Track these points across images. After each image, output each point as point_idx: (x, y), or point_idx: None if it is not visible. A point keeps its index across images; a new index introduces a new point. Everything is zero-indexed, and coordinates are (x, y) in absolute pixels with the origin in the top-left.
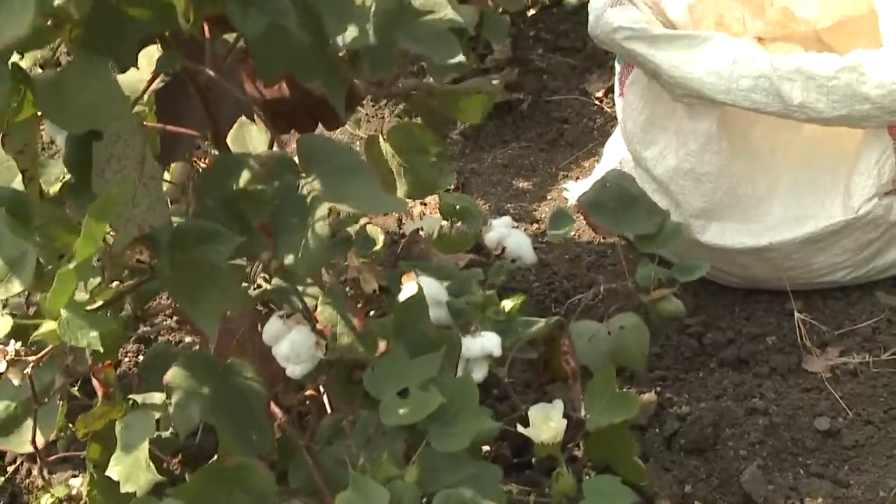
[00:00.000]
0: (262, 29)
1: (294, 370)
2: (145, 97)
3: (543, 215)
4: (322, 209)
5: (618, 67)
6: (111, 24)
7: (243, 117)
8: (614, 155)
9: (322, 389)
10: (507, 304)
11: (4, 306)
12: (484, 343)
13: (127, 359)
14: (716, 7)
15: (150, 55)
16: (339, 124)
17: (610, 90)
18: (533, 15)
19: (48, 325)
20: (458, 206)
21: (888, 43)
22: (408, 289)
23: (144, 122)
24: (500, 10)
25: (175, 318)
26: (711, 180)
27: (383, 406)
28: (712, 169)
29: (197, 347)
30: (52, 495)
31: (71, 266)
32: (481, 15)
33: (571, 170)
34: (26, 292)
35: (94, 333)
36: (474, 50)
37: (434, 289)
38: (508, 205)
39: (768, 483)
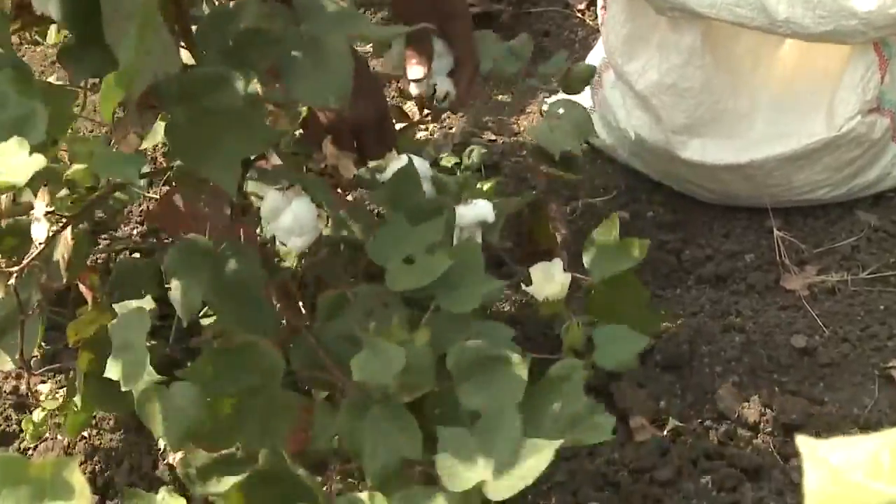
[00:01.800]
0: None
1: (297, 242)
2: None
3: (522, 128)
4: (339, 38)
5: None
6: None
7: None
8: (599, 65)
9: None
10: (485, 185)
11: None
12: (478, 210)
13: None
14: None
15: None
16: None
17: (593, 2)
18: None
19: (77, 167)
20: None
21: None
22: (395, 165)
23: None
24: None
25: (146, 224)
26: (693, 95)
27: (390, 273)
28: (694, 84)
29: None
30: (44, 409)
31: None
32: None
33: (551, 82)
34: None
35: (131, 168)
36: None
37: (420, 164)
38: (487, 117)
39: (743, 400)
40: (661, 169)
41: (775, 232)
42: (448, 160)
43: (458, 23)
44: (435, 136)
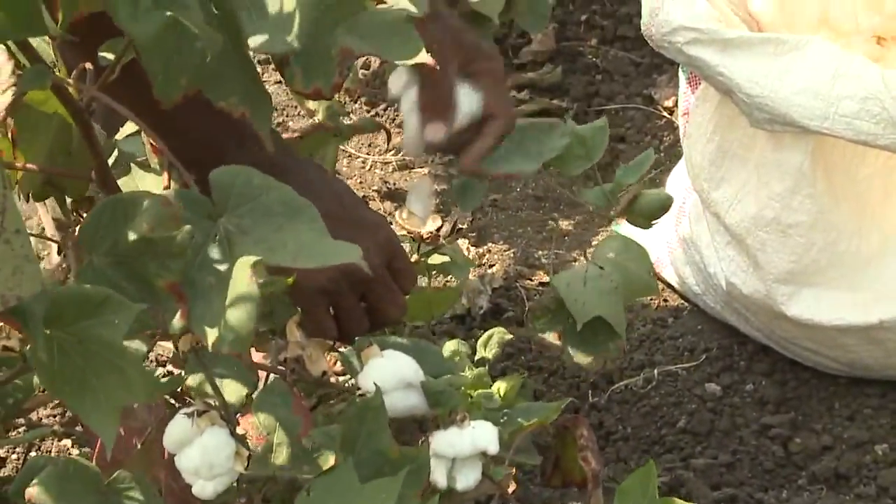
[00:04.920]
0: (155, 29)
1: (204, 488)
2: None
3: None
4: (244, 264)
5: (682, 78)
6: None
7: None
8: (681, 188)
9: None
10: (502, 387)
11: None
12: (476, 437)
13: (15, 456)
14: None
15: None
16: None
17: None
18: None
19: None
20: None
21: None
22: (372, 368)
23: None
24: None
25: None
26: (802, 233)
27: None
28: (804, 218)
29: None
30: None
31: None
32: None
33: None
34: None
35: None
36: (504, 40)
37: (405, 367)
38: (540, 252)
39: None
40: (764, 327)
41: None
42: (457, 348)
43: (487, 63)
44: (469, 276)
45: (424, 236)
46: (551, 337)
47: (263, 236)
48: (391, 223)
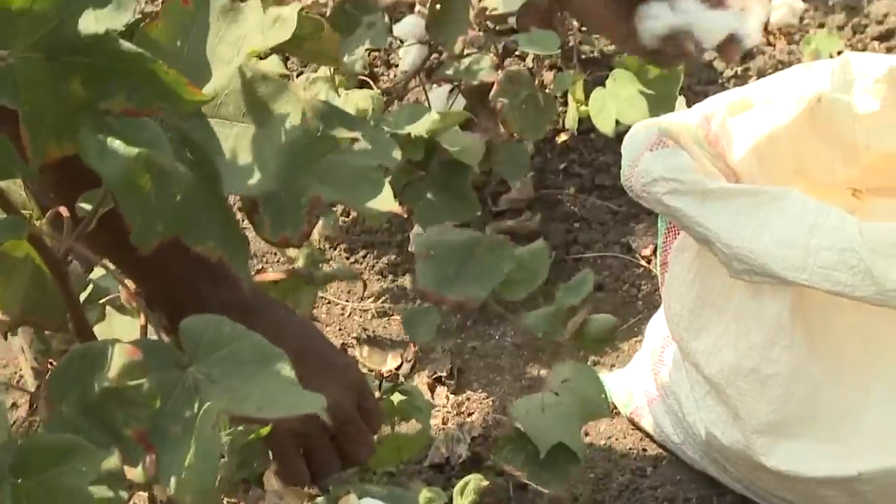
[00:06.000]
0: (123, 168)
1: None
2: None
3: None
4: (208, 414)
5: (661, 228)
6: None
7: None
8: (660, 337)
9: None
10: None
11: None
12: None
13: None
14: (794, 150)
15: None
16: None
17: None
18: (563, 142)
19: None
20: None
21: None
22: None
23: None
24: (518, 138)
25: None
26: (781, 384)
27: None
28: (783, 369)
29: None
30: None
31: None
32: (489, 145)
33: (605, 353)
34: None
35: None
36: (483, 188)
37: None
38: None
39: None
40: (744, 478)
41: None
42: (432, 495)
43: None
44: (448, 424)
45: (385, 374)
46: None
47: (232, 386)
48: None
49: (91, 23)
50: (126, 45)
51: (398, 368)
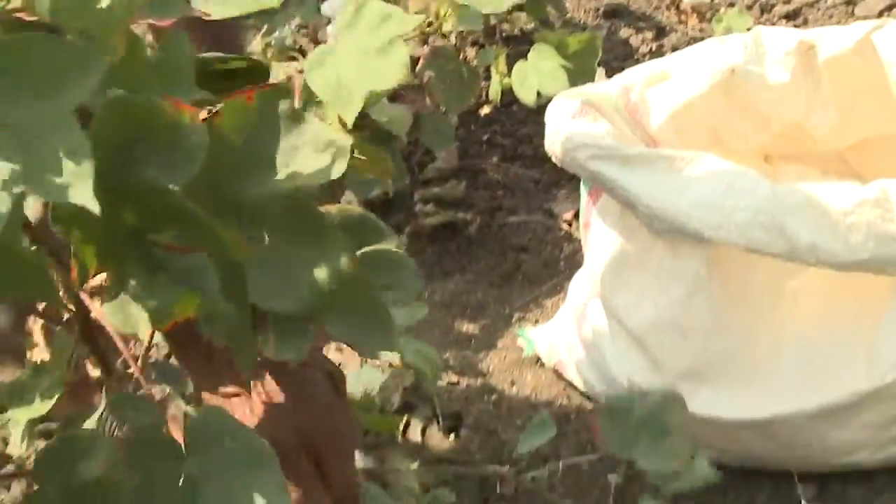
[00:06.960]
0: (167, 305)
1: None
2: None
3: (492, 367)
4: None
5: (583, 192)
6: None
7: None
8: (582, 294)
9: None
10: None
11: None
12: None
13: None
14: (709, 118)
15: None
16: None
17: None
18: (486, 114)
19: None
20: None
21: None
22: None
23: None
24: (443, 110)
25: None
26: (700, 336)
27: None
28: (701, 321)
29: None
30: None
31: None
32: (416, 116)
33: (530, 310)
34: None
35: None
36: (411, 157)
37: None
38: (447, 353)
39: None
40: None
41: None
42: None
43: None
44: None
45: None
46: None
47: (227, 482)
48: None
49: (152, 176)
50: (185, 202)
51: None
